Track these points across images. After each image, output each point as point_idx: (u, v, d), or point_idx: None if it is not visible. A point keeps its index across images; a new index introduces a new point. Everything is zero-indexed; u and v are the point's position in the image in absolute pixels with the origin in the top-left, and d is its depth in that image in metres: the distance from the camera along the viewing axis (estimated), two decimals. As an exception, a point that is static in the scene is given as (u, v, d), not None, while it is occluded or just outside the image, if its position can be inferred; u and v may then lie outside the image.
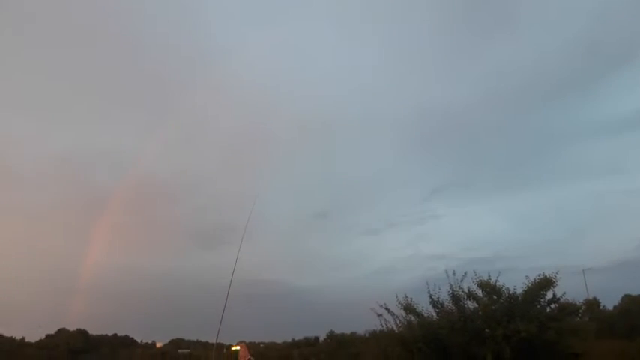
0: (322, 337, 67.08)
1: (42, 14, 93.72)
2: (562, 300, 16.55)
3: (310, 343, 69.31)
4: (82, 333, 74.72)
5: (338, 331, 61.89)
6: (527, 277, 16.77)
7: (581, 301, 19.39)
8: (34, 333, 75.89)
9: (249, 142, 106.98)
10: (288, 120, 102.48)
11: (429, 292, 17.60)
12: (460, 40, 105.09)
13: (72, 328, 75.47)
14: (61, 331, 75.01)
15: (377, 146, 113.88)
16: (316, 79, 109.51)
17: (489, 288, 16.74)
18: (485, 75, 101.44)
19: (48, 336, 75.33)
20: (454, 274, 17.23)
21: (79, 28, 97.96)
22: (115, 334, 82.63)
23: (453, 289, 17.15)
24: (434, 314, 17.47)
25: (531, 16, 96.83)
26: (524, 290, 16.43)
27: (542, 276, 16.51)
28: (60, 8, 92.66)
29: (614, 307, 39.15)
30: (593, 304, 36.59)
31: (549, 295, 16.46)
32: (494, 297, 16.68)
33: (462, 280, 17.12)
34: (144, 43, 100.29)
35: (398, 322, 18.02)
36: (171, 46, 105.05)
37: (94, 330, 77.71)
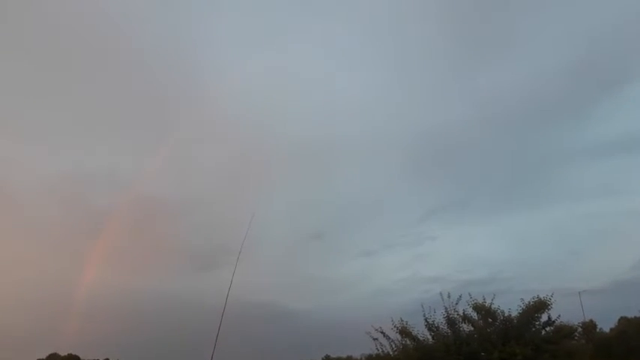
0: (318, 361, 66.19)
1: (34, 35, 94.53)
2: (557, 322, 16.61)
3: (305, 367, 68.32)
4: (73, 358, 73.38)
5: (334, 354, 61.09)
6: (522, 299, 16.89)
7: (577, 323, 19.44)
8: (24, 358, 74.48)
9: (245, 162, 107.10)
10: (284, 141, 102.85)
11: (424, 315, 17.59)
12: (456, 62, 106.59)
13: (63, 352, 74.12)
14: (52, 357, 73.64)
15: (374, 167, 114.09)
16: (312, 100, 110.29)
17: (484, 311, 16.78)
18: (481, 97, 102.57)
19: (38, 361, 73.93)
20: (449, 296, 17.31)
21: (74, 50, 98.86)
22: (107, 359, 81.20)
23: (448, 312, 17.17)
24: (429, 338, 17.41)
25: (526, 40, 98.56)
26: (519, 313, 16.48)
27: (537, 298, 16.60)
28: (54, 29, 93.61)
29: (611, 329, 39.00)
30: (589, 327, 36.45)
31: (544, 317, 16.52)
32: (490, 320, 16.70)
33: (457, 303, 17.19)
34: (141, 61, 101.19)
35: (393, 346, 17.91)
36: (167, 68, 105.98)
37: (85, 355, 76.28)
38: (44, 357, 74.59)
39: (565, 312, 17.19)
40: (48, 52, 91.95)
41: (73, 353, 73.92)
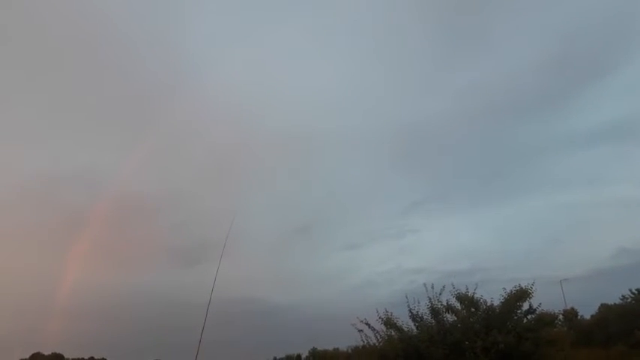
0: (304, 354, 66.44)
1: (16, 30, 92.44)
2: (539, 311, 16.87)
3: (293, 360, 68.52)
4: (57, 357, 72.58)
5: (320, 347, 61.35)
6: (504, 289, 17.14)
7: (558, 311, 19.78)
8: (7, 358, 73.39)
9: (229, 157, 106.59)
10: (268, 135, 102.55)
11: (408, 306, 17.76)
12: (436, 56, 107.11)
13: (47, 352, 73.29)
14: (36, 356, 72.70)
15: (357, 160, 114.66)
16: (296, 94, 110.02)
17: (467, 301, 17.01)
18: (461, 90, 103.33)
19: (22, 361, 72.93)
20: (433, 287, 17.50)
21: (52, 45, 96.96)
22: (92, 357, 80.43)
23: (432, 303, 17.34)
24: (414, 328, 17.57)
25: (506, 33, 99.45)
26: (501, 302, 16.72)
27: (518, 287, 16.85)
28: (36, 25, 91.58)
29: (592, 316, 39.73)
30: (570, 314, 37.11)
31: (526, 306, 16.79)
32: (472, 309, 16.91)
33: (440, 294, 17.39)
34: (120, 58, 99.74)
35: (378, 337, 18.04)
36: (149, 61, 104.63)
37: (69, 353, 75.51)
38: (27, 357, 73.59)
39: (546, 300, 17.49)
40: (22, 47, 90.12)
41: (57, 352, 73.12)
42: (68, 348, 76.70)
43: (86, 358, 79.68)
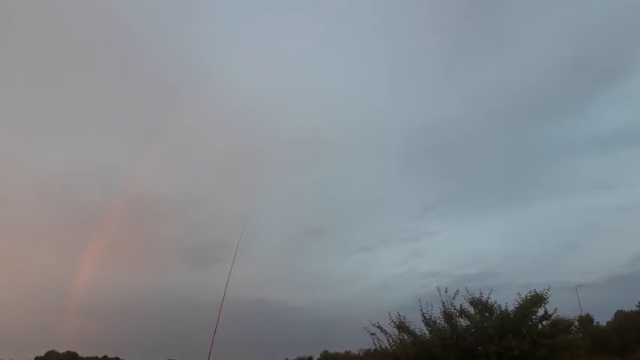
0: (316, 357, 66.30)
1: (29, 30, 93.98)
2: (554, 316, 16.64)
3: (304, 363, 68.41)
4: (71, 355, 73.41)
5: (332, 350, 61.14)
6: (518, 293, 16.92)
7: (574, 317, 19.50)
8: (22, 355, 74.43)
9: (242, 159, 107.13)
10: (281, 137, 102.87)
11: (421, 310, 17.59)
12: (450, 58, 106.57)
13: (61, 350, 74.19)
14: (50, 354, 73.61)
15: (371, 163, 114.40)
16: (308, 96, 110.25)
17: (481, 305, 16.81)
18: (476, 92, 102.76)
19: (37, 359, 73.96)
20: (446, 291, 17.32)
21: (68, 46, 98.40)
22: (106, 356, 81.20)
23: (445, 307, 17.16)
24: (427, 332, 17.42)
25: (521, 35, 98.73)
26: (515, 307, 16.51)
27: (533, 293, 16.63)
28: (49, 27, 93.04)
29: (608, 323, 39.18)
30: (586, 321, 36.61)
31: (541, 311, 16.55)
32: (486, 314, 16.72)
33: (454, 298, 17.18)
34: (133, 62, 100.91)
35: (391, 340, 17.93)
36: (161, 64, 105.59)
37: (83, 352, 76.41)
38: (42, 355, 74.60)
39: (562, 306, 17.21)
40: (39, 45, 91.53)
41: (71, 350, 73.97)
42: (82, 347, 77.58)
43: (100, 356, 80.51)
